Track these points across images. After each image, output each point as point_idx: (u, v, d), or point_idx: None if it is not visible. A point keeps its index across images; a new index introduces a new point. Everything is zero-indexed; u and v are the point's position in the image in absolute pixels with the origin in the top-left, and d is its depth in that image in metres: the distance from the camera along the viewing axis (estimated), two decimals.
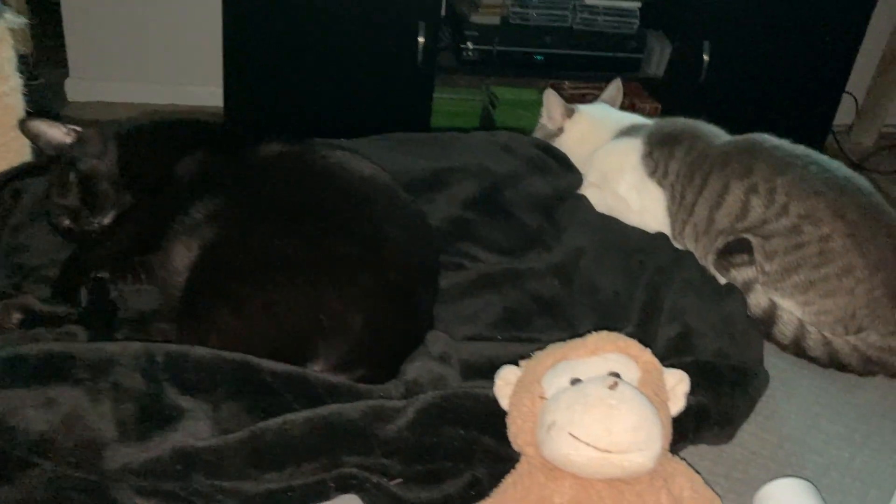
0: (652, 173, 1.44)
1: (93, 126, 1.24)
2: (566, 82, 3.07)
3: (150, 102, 3.25)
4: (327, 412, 0.89)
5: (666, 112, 3.01)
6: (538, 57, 2.89)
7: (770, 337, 1.23)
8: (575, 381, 0.80)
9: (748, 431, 1.05)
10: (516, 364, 0.92)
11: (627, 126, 1.51)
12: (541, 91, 2.99)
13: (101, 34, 3.13)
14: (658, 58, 3.01)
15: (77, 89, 3.22)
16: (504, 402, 0.86)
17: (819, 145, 3.29)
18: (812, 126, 3.19)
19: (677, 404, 0.85)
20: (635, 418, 0.74)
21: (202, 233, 1.06)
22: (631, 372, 0.81)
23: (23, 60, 1.56)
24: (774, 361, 1.20)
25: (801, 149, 1.34)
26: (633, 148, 1.46)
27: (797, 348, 1.21)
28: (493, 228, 1.35)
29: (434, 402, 0.92)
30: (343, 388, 0.96)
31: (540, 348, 0.96)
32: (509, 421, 0.84)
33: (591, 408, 0.74)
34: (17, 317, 1.06)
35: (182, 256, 1.06)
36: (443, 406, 0.92)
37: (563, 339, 1.14)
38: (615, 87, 1.66)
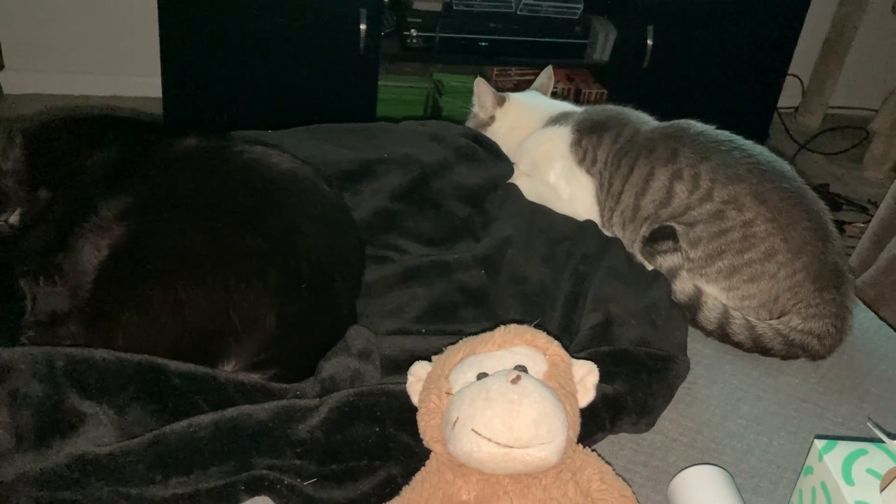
0: (580, 161, 1.44)
1: None
2: (513, 69, 3.07)
3: (91, 94, 3.17)
4: (235, 413, 0.87)
5: (612, 97, 3.02)
6: (483, 43, 2.87)
7: (695, 323, 1.24)
8: (481, 376, 0.79)
9: (668, 419, 1.06)
10: None
11: (557, 114, 1.51)
12: (487, 78, 3.04)
13: (37, 23, 3.04)
14: (603, 43, 3.01)
15: (13, 82, 3.13)
16: (415, 399, 0.85)
17: (764, 127, 3.34)
18: (757, 108, 3.24)
19: (587, 395, 0.84)
20: (536, 413, 0.73)
21: (112, 232, 1.03)
22: (538, 365, 0.81)
23: None
24: (698, 348, 1.21)
25: (725, 134, 1.35)
26: (562, 136, 1.46)
27: (721, 334, 1.22)
28: (421, 220, 1.34)
29: (348, 400, 0.91)
30: (255, 388, 0.94)
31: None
32: (418, 417, 0.83)
33: (493, 403, 0.74)
34: None
35: (91, 256, 1.03)
36: (356, 404, 0.91)
37: (489, 331, 1.16)
38: (546, 75, 1.66)
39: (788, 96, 3.61)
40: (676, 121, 1.39)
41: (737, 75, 3.10)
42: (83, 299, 1.01)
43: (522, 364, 0.80)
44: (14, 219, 1.13)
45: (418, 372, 0.86)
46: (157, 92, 2.80)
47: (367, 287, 1.21)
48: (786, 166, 1.31)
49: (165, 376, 0.91)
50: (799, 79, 3.69)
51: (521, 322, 0.86)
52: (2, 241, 1.14)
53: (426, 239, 1.32)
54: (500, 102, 1.56)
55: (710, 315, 1.23)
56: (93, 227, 1.05)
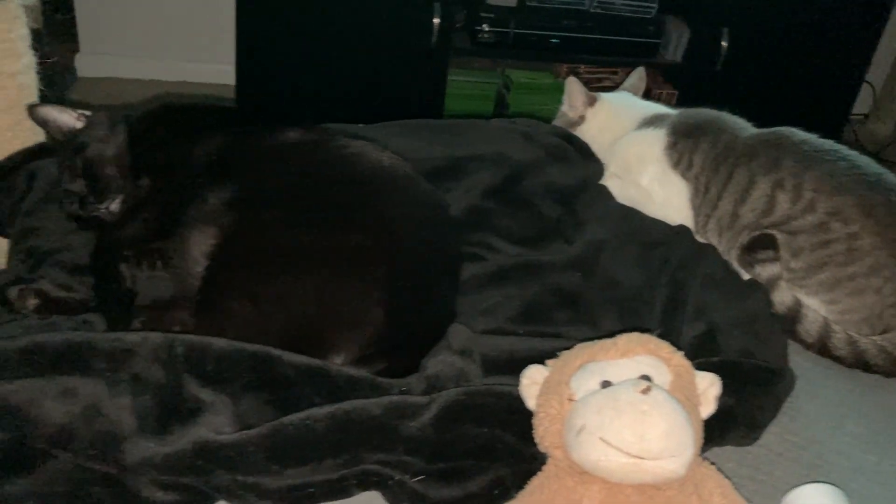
0: (675, 165, 1.41)
1: (103, 110, 1.21)
2: (582, 66, 3.04)
3: (162, 79, 3.21)
4: (350, 407, 0.87)
5: (682, 98, 2.97)
6: (554, 40, 2.85)
7: (794, 335, 1.21)
8: (605, 384, 0.78)
9: (773, 432, 1.04)
10: (539, 361, 0.91)
11: (651, 116, 1.48)
12: (556, 75, 3.02)
13: (113, 8, 3.09)
14: (676, 43, 2.96)
15: (88, 65, 3.19)
16: (530, 403, 0.85)
17: (836, 135, 3.26)
18: (829, 115, 3.16)
19: (708, 408, 0.83)
20: (667, 424, 0.72)
21: (220, 221, 1.04)
22: (662, 375, 0.79)
23: (35, 37, 1.53)
24: (798, 361, 1.18)
25: (829, 143, 1.31)
26: (657, 139, 1.44)
27: (822, 347, 1.20)
28: (513, 219, 1.33)
29: (457, 399, 0.90)
30: (364, 382, 0.94)
31: (565, 346, 0.95)
32: (536, 422, 0.83)
33: (623, 413, 0.73)
34: (33, 302, 1.05)
35: (199, 244, 1.04)
36: (466, 403, 0.90)
37: (585, 335, 1.14)
38: (637, 76, 1.63)
39: (858, 103, 3.51)
40: (777, 128, 1.36)
41: (811, 81, 3.02)
42: (191, 287, 1.02)
43: (647, 374, 0.79)
44: (115, 206, 1.15)
45: (534, 375, 0.85)
46: (227, 79, 2.83)
47: (461, 285, 1.20)
48: (893, 179, 1.27)
49: (279, 367, 0.91)
50: (871, 85, 3.59)
51: (629, 331, 0.85)
52: (104, 227, 1.16)
53: (518, 238, 1.31)
54: (591, 102, 1.54)
55: (810, 328, 1.21)
56: (200, 215, 1.06)
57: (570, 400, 0.78)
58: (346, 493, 0.87)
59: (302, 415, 0.86)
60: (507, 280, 1.22)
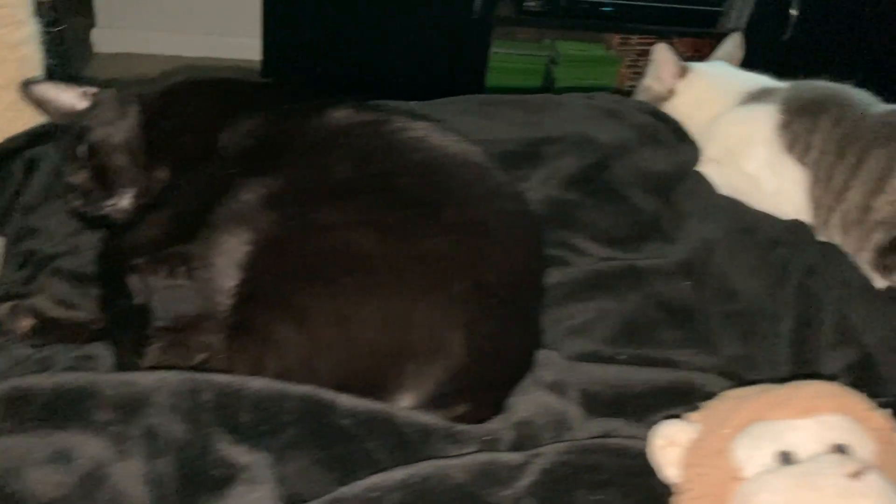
0: (790, 148, 1.18)
1: (112, 87, 1.01)
2: (635, 37, 2.81)
3: (184, 55, 3.03)
4: (426, 472, 0.67)
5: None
6: (606, 8, 2.61)
7: None
8: (784, 457, 0.57)
9: None
10: (656, 398, 0.71)
11: (757, 90, 1.26)
12: (608, 47, 2.79)
13: None
14: (739, 11, 2.72)
15: (104, 40, 3.01)
16: (670, 472, 0.64)
17: None
18: None
19: None
20: None
21: (256, 221, 0.84)
22: (862, 444, 0.58)
23: (43, 7, 1.35)
24: None
25: None
26: (766, 116, 1.21)
27: None
28: (601, 213, 1.12)
29: (562, 460, 0.70)
30: (440, 432, 0.74)
31: (688, 381, 0.75)
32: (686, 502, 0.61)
33: None
34: (27, 323, 0.85)
35: (231, 251, 0.83)
36: (573, 464, 0.70)
37: (704, 361, 0.93)
38: (733, 42, 1.40)
39: None
40: None
41: (888, 52, 2.77)
42: (222, 304, 0.82)
43: (843, 443, 0.57)
44: (126, 202, 0.95)
45: (673, 434, 0.64)
46: (253, 54, 2.64)
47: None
48: None
49: (333, 414, 0.71)
50: None
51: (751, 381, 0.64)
52: (113, 229, 0.96)
53: (608, 237, 1.09)
54: (683, 73, 1.31)
55: None
56: (232, 214, 0.86)
57: (737, 479, 0.57)
58: None
59: (367, 483, 0.66)
60: (599, 290, 1.01)
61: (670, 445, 0.65)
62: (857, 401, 0.61)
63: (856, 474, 0.52)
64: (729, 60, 1.38)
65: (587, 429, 0.80)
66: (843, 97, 1.19)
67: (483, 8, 2.48)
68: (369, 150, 0.90)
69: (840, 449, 0.57)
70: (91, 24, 2.99)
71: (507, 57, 2.73)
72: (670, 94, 1.32)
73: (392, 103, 1.20)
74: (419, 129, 0.95)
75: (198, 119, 0.99)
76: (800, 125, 1.19)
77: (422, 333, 0.76)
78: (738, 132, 1.23)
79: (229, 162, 0.92)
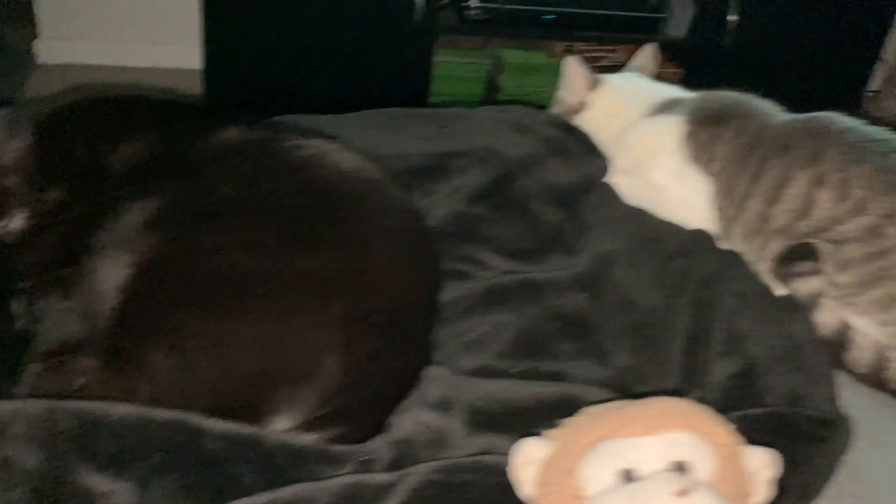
0: (695, 158, 1.20)
1: (7, 106, 1.00)
2: (578, 44, 2.83)
3: (131, 65, 2.99)
4: (291, 496, 0.67)
5: (688, 77, 2.76)
6: (548, 16, 2.63)
7: (841, 364, 1.01)
8: (626, 475, 0.58)
9: (827, 496, 0.83)
10: (541, 412, 0.72)
11: (665, 101, 1.27)
12: (551, 54, 2.80)
13: None
14: (679, 18, 2.75)
15: (48, 51, 2.96)
16: (525, 489, 0.64)
17: (851, 115, 3.06)
18: (844, 94, 2.95)
19: (759, 495, 0.62)
20: None
21: (138, 244, 0.83)
22: (704, 460, 0.59)
23: None
24: (848, 397, 0.98)
25: (879, 132, 1.11)
26: (673, 127, 1.22)
27: (876, 379, 1.00)
28: (505, 227, 1.13)
29: (431, 479, 0.70)
30: (313, 454, 0.74)
31: (571, 393, 0.75)
32: None
33: None
34: None
35: (111, 274, 0.83)
36: (442, 483, 0.71)
37: (595, 373, 0.94)
38: (646, 54, 1.42)
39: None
40: (816, 113, 1.15)
41: (825, 57, 2.82)
42: (101, 329, 0.82)
43: (683, 460, 0.58)
44: (17, 223, 0.94)
45: (530, 453, 0.65)
46: (199, 63, 2.61)
47: (441, 310, 1.00)
48: None
49: (201, 439, 0.71)
50: (884, 61, 3.37)
51: (670, 393, 0.64)
52: (1, 252, 0.95)
53: (511, 250, 1.10)
54: (594, 85, 1.32)
55: (860, 355, 1.00)
56: (115, 237, 0.85)
57: (580, 498, 0.58)
58: None
59: None
60: (498, 303, 1.02)
61: (528, 464, 0.65)
62: (703, 417, 0.61)
63: (682, 492, 0.53)
64: (642, 71, 1.40)
65: (469, 446, 0.80)
66: (746, 108, 1.21)
67: (424, 17, 2.48)
68: (257, 170, 0.90)
69: (680, 466, 0.58)
70: (33, 35, 2.94)
71: (452, 65, 2.74)
72: (582, 106, 1.33)
73: (301, 118, 1.20)
74: (311, 148, 0.96)
75: (89, 139, 0.98)
76: (704, 136, 1.20)
77: (296, 355, 0.76)
78: (645, 143, 1.25)
79: (118, 183, 0.92)
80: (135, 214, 0.86)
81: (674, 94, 1.29)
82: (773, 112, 1.21)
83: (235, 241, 0.82)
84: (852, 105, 2.99)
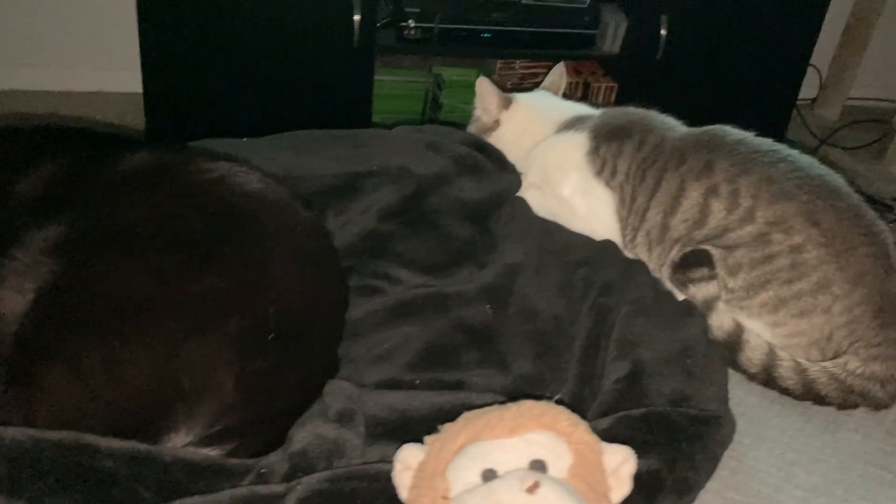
0: (599, 172, 1.26)
1: None
2: (517, 62, 2.88)
3: (75, 90, 2.99)
4: None
5: (623, 91, 2.84)
6: (485, 34, 2.68)
7: (735, 365, 1.06)
8: (488, 474, 0.62)
9: (711, 490, 0.88)
10: (438, 420, 0.74)
11: (571, 118, 1.32)
12: (490, 72, 2.86)
13: (16, 16, 2.85)
14: (613, 33, 2.82)
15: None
16: (403, 494, 0.68)
17: (784, 122, 3.15)
18: (777, 102, 3.05)
19: (621, 489, 0.67)
20: None
21: (39, 271, 0.85)
22: (561, 458, 0.63)
23: None
24: (740, 395, 1.03)
25: (767, 143, 1.17)
26: (578, 143, 1.28)
27: (767, 378, 1.05)
28: (416, 243, 1.16)
29: (319, 489, 0.73)
30: (211, 468, 0.77)
31: (466, 402, 0.79)
32: None
33: None
34: None
35: (12, 301, 0.84)
36: (331, 492, 0.73)
37: (496, 381, 0.98)
38: (557, 73, 1.47)
39: (805, 87, 3.40)
40: (709, 127, 1.21)
41: (755, 67, 2.91)
42: (1, 354, 0.83)
43: (540, 458, 0.62)
44: None
45: (407, 459, 0.68)
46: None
47: (352, 325, 1.03)
48: (839, 180, 1.13)
49: (96, 458, 0.73)
50: (817, 69, 3.49)
51: (537, 397, 0.68)
52: None
53: (422, 266, 1.14)
54: (506, 105, 1.37)
55: (753, 355, 1.06)
56: (16, 264, 0.87)
57: (445, 498, 0.61)
58: None
59: None
60: (407, 317, 1.05)
61: (405, 470, 0.69)
62: (562, 418, 0.65)
63: (532, 488, 0.57)
64: (553, 89, 1.45)
65: (367, 455, 0.83)
66: (646, 123, 1.26)
67: (363, 37, 2.52)
68: (159, 194, 0.93)
69: (538, 464, 0.62)
70: None
71: (392, 84, 2.78)
72: (496, 124, 1.38)
73: (210, 143, 1.22)
74: (219, 170, 0.98)
75: None
76: (607, 150, 1.26)
77: (191, 373, 0.79)
78: (552, 158, 1.30)
79: (21, 212, 0.93)
80: (37, 241, 0.88)
81: (581, 111, 1.35)
82: (672, 126, 1.27)
83: (135, 264, 0.84)
84: (784, 111, 3.09)
